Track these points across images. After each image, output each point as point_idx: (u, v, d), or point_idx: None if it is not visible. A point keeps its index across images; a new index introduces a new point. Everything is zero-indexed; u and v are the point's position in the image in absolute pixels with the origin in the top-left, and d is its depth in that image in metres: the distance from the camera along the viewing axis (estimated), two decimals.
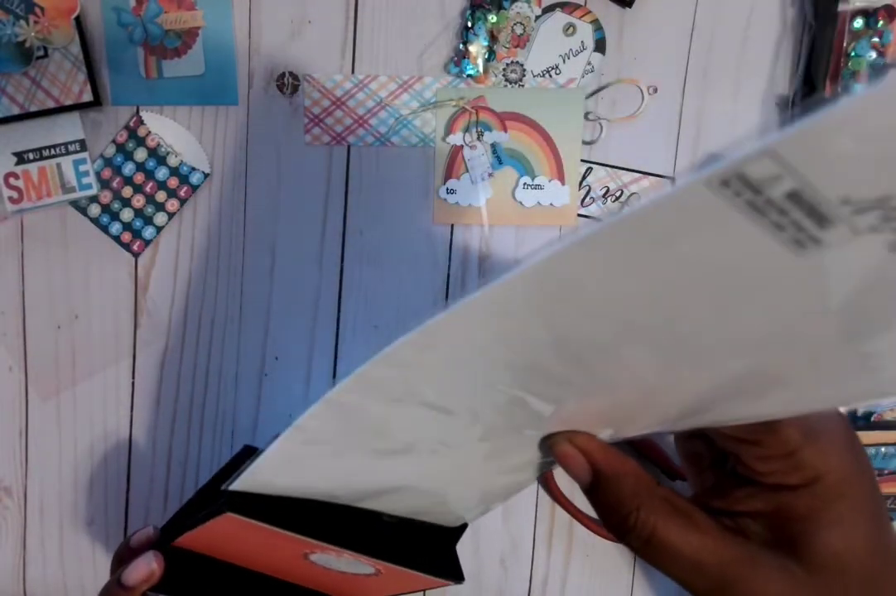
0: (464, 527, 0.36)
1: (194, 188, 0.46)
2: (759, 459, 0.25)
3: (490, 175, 0.47)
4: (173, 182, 0.46)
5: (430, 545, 0.35)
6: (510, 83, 0.46)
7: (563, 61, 0.46)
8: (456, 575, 0.35)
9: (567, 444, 0.26)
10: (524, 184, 0.47)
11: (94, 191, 0.45)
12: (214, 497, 0.33)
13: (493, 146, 0.46)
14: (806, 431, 0.25)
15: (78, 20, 0.43)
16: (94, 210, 0.46)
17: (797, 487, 0.25)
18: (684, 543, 0.25)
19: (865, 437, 0.47)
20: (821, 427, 0.25)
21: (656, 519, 0.26)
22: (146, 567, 0.37)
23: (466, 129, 0.46)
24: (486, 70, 0.45)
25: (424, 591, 0.37)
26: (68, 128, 0.45)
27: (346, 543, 0.33)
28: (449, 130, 0.46)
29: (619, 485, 0.26)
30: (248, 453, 0.37)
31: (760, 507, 0.26)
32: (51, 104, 0.44)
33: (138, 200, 0.46)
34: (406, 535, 0.35)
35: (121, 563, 0.38)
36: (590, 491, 0.27)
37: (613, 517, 0.26)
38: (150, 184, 0.46)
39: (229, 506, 0.32)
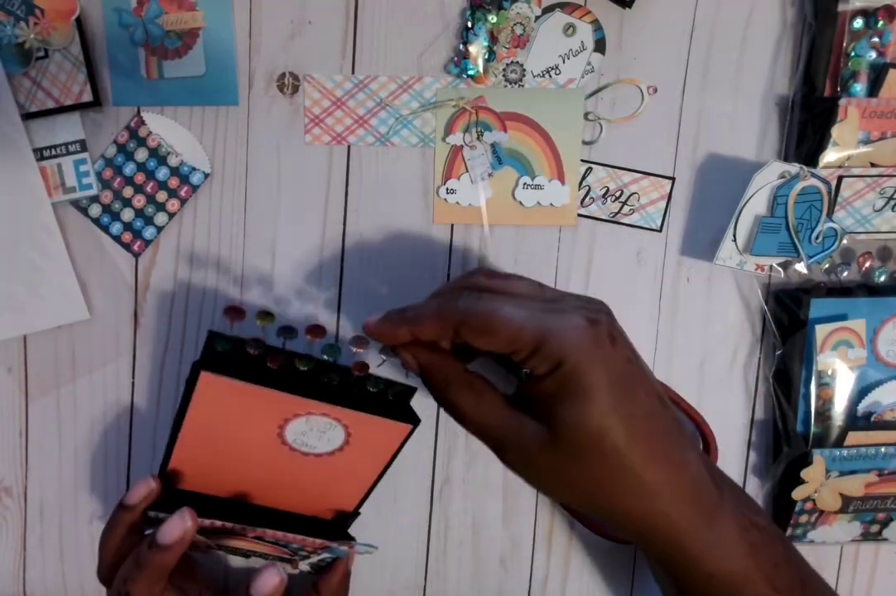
0: (412, 389, 0.42)
1: (195, 188, 0.46)
2: (521, 360, 0.34)
3: (490, 175, 0.47)
4: (174, 182, 0.46)
5: (386, 404, 0.42)
6: (510, 83, 0.46)
7: (563, 61, 0.46)
8: (413, 420, 0.42)
9: (405, 353, 0.38)
10: (524, 184, 0.47)
11: (94, 191, 0.45)
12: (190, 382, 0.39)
13: (493, 146, 0.46)
14: (541, 331, 0.33)
15: (79, 21, 0.43)
16: (95, 210, 0.46)
17: (547, 374, 0.34)
18: (473, 410, 0.36)
19: (865, 437, 0.47)
20: (557, 326, 0.34)
21: (456, 393, 0.37)
22: (145, 486, 0.41)
23: (466, 129, 0.46)
24: (486, 70, 0.45)
25: (390, 463, 0.44)
26: (69, 128, 0.45)
27: (312, 395, 0.40)
28: (449, 130, 0.46)
29: (435, 372, 0.38)
30: (214, 338, 0.40)
31: (534, 394, 0.35)
32: (51, 104, 0.44)
33: (139, 200, 0.46)
34: (363, 396, 0.41)
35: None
36: (422, 378, 0.39)
37: (434, 392, 0.38)
38: (151, 184, 0.46)
39: (202, 366, 0.38)
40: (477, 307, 0.34)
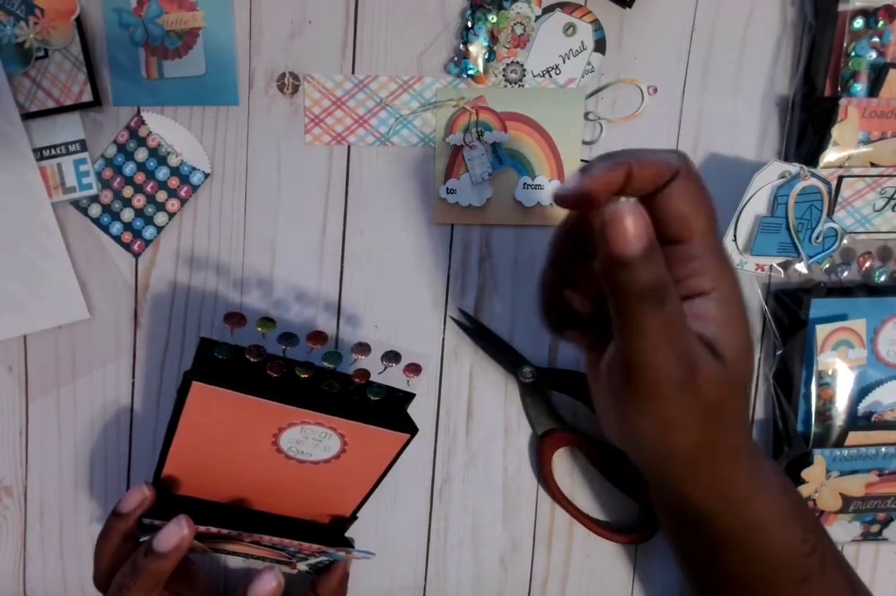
0: (411, 395, 0.42)
1: (195, 188, 0.46)
2: (679, 259, 0.32)
3: (490, 175, 0.47)
4: (174, 182, 0.46)
5: (383, 411, 0.41)
6: (510, 83, 0.46)
7: (563, 61, 0.46)
8: (411, 429, 0.41)
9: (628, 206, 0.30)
10: (524, 184, 0.47)
11: (94, 191, 0.45)
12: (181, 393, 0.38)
13: (493, 146, 0.46)
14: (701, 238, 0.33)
15: (79, 21, 0.43)
16: (95, 210, 0.46)
17: (709, 291, 0.32)
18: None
19: (866, 437, 0.47)
20: (707, 253, 0.33)
21: (676, 309, 0.31)
22: (139, 493, 0.40)
23: (466, 129, 0.46)
24: (486, 70, 0.45)
25: (387, 470, 0.44)
26: (69, 128, 0.45)
27: (308, 406, 0.39)
28: (449, 130, 0.46)
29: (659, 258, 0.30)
30: (206, 345, 0.40)
31: (700, 311, 0.33)
32: (51, 104, 0.44)
33: (139, 200, 0.46)
34: (362, 404, 0.41)
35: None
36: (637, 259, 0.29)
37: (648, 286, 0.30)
38: (151, 184, 0.46)
39: (193, 376, 0.38)
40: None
